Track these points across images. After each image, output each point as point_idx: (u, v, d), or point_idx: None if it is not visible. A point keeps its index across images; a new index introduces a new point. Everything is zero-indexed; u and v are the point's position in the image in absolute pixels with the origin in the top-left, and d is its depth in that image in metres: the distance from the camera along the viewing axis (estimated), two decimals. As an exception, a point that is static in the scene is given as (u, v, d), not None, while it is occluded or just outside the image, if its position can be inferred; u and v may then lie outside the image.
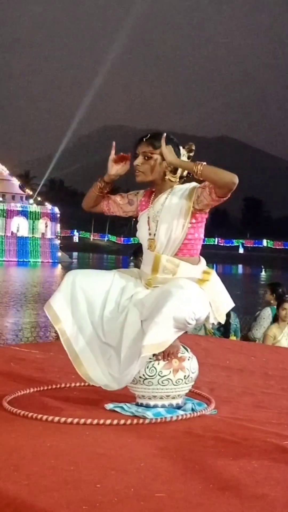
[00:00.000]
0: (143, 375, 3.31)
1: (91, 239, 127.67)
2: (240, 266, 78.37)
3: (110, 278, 3.56)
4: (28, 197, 73.83)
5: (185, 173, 3.54)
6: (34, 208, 71.07)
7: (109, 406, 3.42)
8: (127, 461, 2.58)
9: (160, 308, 3.22)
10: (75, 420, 3.08)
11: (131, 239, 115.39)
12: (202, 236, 3.56)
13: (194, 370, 3.45)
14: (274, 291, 8.49)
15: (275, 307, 7.95)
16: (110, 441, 2.87)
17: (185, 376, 3.37)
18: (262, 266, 77.76)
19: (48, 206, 73.68)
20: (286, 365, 5.31)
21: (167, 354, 3.32)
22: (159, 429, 3.11)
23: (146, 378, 3.32)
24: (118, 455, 2.66)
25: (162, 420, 3.21)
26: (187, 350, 3.46)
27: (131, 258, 6.71)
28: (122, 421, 3.13)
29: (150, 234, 3.54)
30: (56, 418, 3.10)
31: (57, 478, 2.32)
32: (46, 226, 71.30)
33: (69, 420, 3.08)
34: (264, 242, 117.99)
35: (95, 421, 3.09)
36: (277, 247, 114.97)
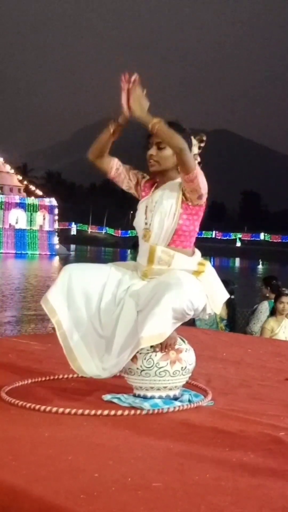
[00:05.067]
0: (141, 366, 3.33)
1: (89, 232, 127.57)
2: (237, 259, 78.45)
3: (106, 271, 3.57)
4: (25, 191, 73.69)
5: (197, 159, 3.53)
6: (32, 200, 70.96)
7: (107, 397, 3.44)
8: (125, 452, 2.60)
9: (158, 299, 3.23)
10: (73, 411, 3.10)
11: (129, 231, 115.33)
12: (197, 229, 3.57)
13: (191, 362, 3.47)
14: (269, 284, 8.53)
15: (273, 300, 7.98)
16: (107, 431, 2.89)
17: (182, 367, 3.39)
18: (260, 260, 77.82)
19: (46, 198, 73.57)
20: (283, 357, 5.33)
21: (165, 346, 3.34)
22: (156, 420, 3.13)
23: (144, 370, 3.33)
24: (115, 445, 2.68)
25: (159, 411, 3.23)
26: (184, 342, 3.49)
27: (131, 250, 6.72)
28: (119, 412, 3.15)
29: (146, 224, 3.55)
30: (54, 409, 3.12)
31: (55, 468, 2.34)
32: (44, 219, 71.18)
33: (67, 410, 3.10)
34: (262, 236, 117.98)
35: (93, 412, 3.11)
36: (274, 241, 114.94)
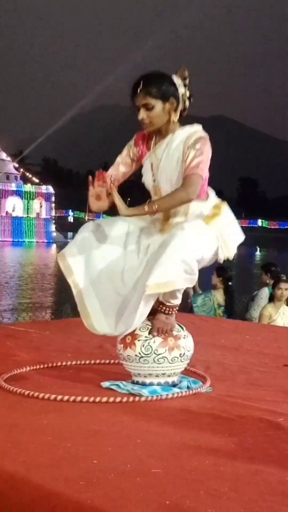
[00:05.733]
0: (139, 353, 3.33)
1: (86, 219, 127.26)
2: (235, 246, 78.21)
3: (125, 228, 3.50)
4: (22, 178, 73.52)
5: (187, 104, 3.45)
6: (28, 188, 70.86)
7: (105, 384, 3.44)
8: (124, 438, 2.60)
9: (164, 249, 3.20)
10: (72, 398, 3.10)
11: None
12: (206, 174, 3.43)
13: (190, 348, 3.47)
14: (269, 271, 8.54)
15: (270, 287, 8.00)
16: (106, 418, 2.89)
17: (180, 354, 3.38)
18: (257, 246, 77.83)
19: (43, 186, 73.44)
20: (281, 343, 5.34)
21: (163, 331, 3.33)
22: (155, 406, 3.13)
23: (142, 357, 3.33)
24: (114, 432, 2.68)
25: (158, 398, 3.23)
26: (182, 329, 3.48)
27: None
28: (118, 399, 3.15)
29: (154, 181, 3.51)
30: (53, 396, 3.11)
31: (54, 455, 2.34)
32: (41, 206, 71.13)
33: (66, 397, 3.10)
34: (259, 222, 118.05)
35: (92, 399, 3.10)
36: (272, 227, 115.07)
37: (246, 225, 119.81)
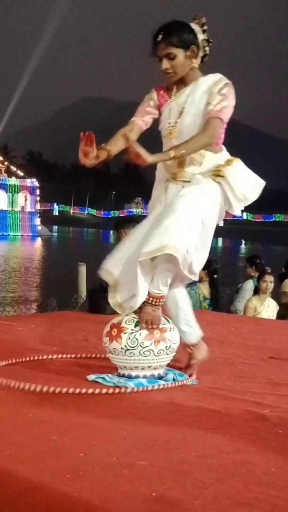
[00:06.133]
0: (125, 346, 3.33)
1: (71, 213, 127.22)
2: (220, 239, 78.56)
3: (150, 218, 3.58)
4: (6, 171, 73.13)
5: (206, 50, 3.53)
6: (13, 181, 70.53)
7: (91, 377, 3.43)
8: (110, 430, 2.60)
9: (161, 221, 3.32)
10: (57, 390, 3.09)
11: (111, 212, 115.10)
12: (223, 129, 3.49)
13: (176, 341, 3.47)
14: (253, 264, 8.57)
15: (255, 279, 8.03)
16: (92, 411, 2.89)
17: (166, 347, 3.39)
18: (242, 239, 78.03)
19: (28, 179, 73.14)
20: (266, 335, 5.36)
21: (151, 323, 3.33)
22: (141, 399, 3.13)
23: (128, 349, 3.33)
24: (100, 424, 2.68)
25: (144, 390, 3.23)
26: (168, 321, 3.48)
27: (113, 231, 6.72)
28: (104, 390, 3.15)
29: (169, 123, 3.53)
30: (39, 388, 3.10)
31: (40, 448, 2.34)
32: (26, 200, 70.83)
33: (51, 389, 3.09)
34: (244, 215, 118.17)
35: (77, 390, 3.10)
36: (256, 220, 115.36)
37: (231, 218, 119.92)
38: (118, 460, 2.24)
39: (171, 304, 3.61)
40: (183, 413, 2.91)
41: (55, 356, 3.97)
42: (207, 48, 3.53)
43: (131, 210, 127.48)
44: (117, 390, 3.19)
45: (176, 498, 1.93)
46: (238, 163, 3.54)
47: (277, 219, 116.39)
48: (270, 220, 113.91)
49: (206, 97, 3.42)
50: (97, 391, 3.13)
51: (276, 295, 8.24)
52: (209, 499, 1.92)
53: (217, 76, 3.48)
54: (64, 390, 3.10)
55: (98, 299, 6.28)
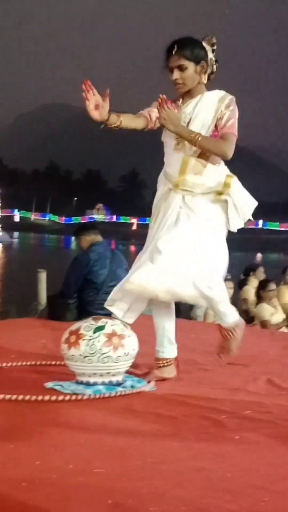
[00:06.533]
0: (83, 352, 3.32)
1: (32, 219, 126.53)
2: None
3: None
4: None
5: (214, 68, 3.73)
6: (-27, 187, 69.92)
7: (49, 384, 3.42)
8: (67, 438, 2.59)
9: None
10: (14, 397, 3.07)
11: (73, 218, 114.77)
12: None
13: (134, 347, 3.48)
14: None
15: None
16: (50, 418, 2.88)
17: (125, 353, 3.39)
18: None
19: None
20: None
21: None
22: (99, 405, 3.12)
23: (87, 356, 3.32)
24: (58, 432, 2.67)
25: (102, 397, 3.22)
26: (127, 328, 3.49)
27: (75, 238, 6.70)
28: (60, 397, 3.14)
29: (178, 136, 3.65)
30: (-5, 396, 3.07)
31: (-4, 456, 2.32)
32: (-14, 206, 70.27)
33: (8, 396, 3.07)
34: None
35: (34, 397, 3.08)
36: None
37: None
38: (75, 468, 2.24)
39: None
40: (141, 420, 2.92)
41: (13, 364, 3.95)
42: (214, 67, 3.74)
43: (93, 216, 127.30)
44: (73, 397, 3.18)
45: (132, 505, 1.94)
46: (237, 182, 3.69)
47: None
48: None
49: (213, 111, 3.63)
50: (53, 398, 3.11)
51: (235, 302, 8.30)
52: (165, 506, 1.93)
53: (222, 92, 3.70)
54: (21, 397, 3.08)
55: (57, 306, 6.26)
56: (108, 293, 6.00)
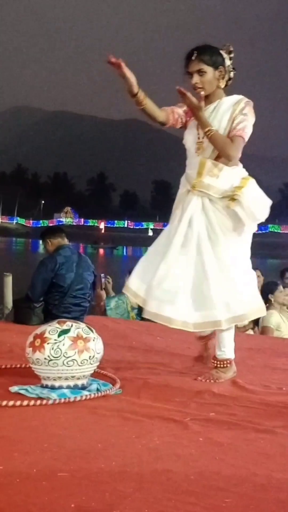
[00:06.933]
0: (48, 356, 3.31)
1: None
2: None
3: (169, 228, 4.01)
4: None
5: (231, 74, 3.95)
6: None
7: (14, 389, 3.39)
8: (31, 443, 2.57)
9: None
10: (-23, 403, 3.05)
11: (41, 221, 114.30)
12: (244, 143, 3.87)
13: (99, 351, 3.48)
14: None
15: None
16: (14, 423, 2.85)
17: (90, 356, 3.39)
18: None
19: None
20: (191, 344, 5.39)
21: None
22: (64, 410, 3.11)
23: (51, 360, 3.31)
24: (21, 437, 2.65)
25: (66, 401, 3.22)
26: (92, 331, 3.48)
27: (42, 241, 6.67)
28: (25, 402, 3.12)
29: (199, 138, 3.91)
30: None
31: None
32: None
33: (-29, 403, 3.04)
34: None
35: (-2, 403, 3.07)
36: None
37: (161, 228, 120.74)
38: (38, 472, 2.23)
39: None
40: (105, 423, 2.91)
41: (-23, 368, 3.91)
42: (232, 74, 3.96)
43: (61, 219, 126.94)
44: (38, 402, 3.16)
45: (95, 508, 1.94)
46: (252, 183, 3.86)
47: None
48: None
49: (229, 115, 3.83)
50: (18, 403, 3.09)
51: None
52: (127, 509, 1.94)
53: (239, 96, 3.90)
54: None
55: (23, 309, 6.23)
56: (74, 297, 6.07)
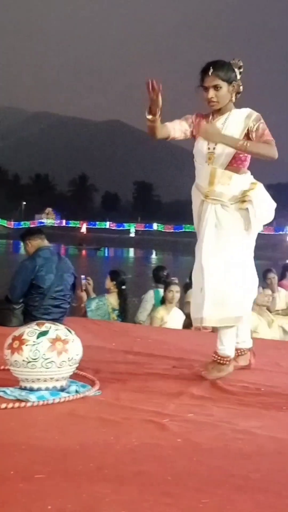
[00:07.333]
0: (27, 358, 3.30)
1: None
2: (131, 249, 78.91)
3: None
4: None
5: (241, 88, 4.13)
6: None
7: (-8, 390, 3.39)
8: (9, 445, 2.57)
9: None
10: None
11: (22, 223, 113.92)
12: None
13: (78, 352, 3.47)
14: (155, 275, 8.61)
15: (158, 290, 8.12)
16: (-9, 425, 2.85)
17: (69, 358, 3.38)
18: (153, 250, 78.57)
19: None
20: (171, 345, 5.42)
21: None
22: (42, 411, 3.11)
23: (30, 361, 3.31)
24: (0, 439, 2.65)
25: (45, 403, 3.21)
26: (70, 333, 3.48)
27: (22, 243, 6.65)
28: (3, 405, 3.11)
29: (209, 148, 4.09)
30: None
31: None
32: None
33: None
34: (155, 226, 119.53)
35: (-24, 406, 3.05)
36: (167, 231, 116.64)
37: (142, 229, 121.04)
38: (16, 474, 2.23)
39: None
40: (84, 425, 2.92)
41: None
42: (241, 87, 4.14)
43: (42, 220, 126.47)
44: (17, 404, 3.15)
45: (71, 510, 1.94)
46: (260, 187, 4.10)
47: (186, 230, 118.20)
48: (180, 230, 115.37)
49: (241, 127, 4.03)
50: (-4, 405, 3.09)
51: (181, 305, 8.34)
52: (104, 510, 1.94)
53: (248, 109, 4.11)
54: None
55: (3, 311, 6.20)
56: (54, 298, 6.06)
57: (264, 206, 4.10)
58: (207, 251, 4.04)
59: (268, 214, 4.14)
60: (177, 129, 4.14)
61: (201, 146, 4.14)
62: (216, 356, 4.13)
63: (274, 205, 4.15)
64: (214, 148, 4.06)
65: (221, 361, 4.12)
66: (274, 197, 4.21)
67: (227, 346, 4.13)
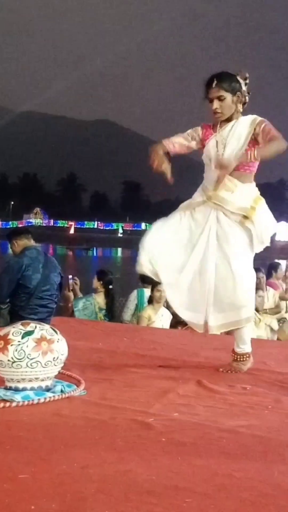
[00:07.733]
0: (12, 358, 3.29)
1: None
2: (119, 249, 78.91)
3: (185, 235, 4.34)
4: None
5: (247, 98, 4.24)
6: None
7: (-23, 391, 3.38)
8: (-7, 445, 2.56)
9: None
10: None
11: (10, 223, 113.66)
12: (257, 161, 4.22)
13: (64, 352, 3.46)
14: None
15: (143, 289, 8.13)
16: (-24, 425, 2.84)
17: (54, 358, 3.37)
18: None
19: None
20: (158, 345, 5.43)
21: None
22: (28, 411, 3.10)
23: (15, 361, 3.29)
24: (-17, 439, 2.64)
25: (30, 403, 3.20)
26: (56, 332, 3.47)
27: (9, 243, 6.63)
28: (-12, 406, 3.10)
29: (219, 154, 4.21)
30: None
31: None
32: None
33: None
34: (143, 225, 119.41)
35: None
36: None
37: (131, 229, 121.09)
38: (0, 475, 2.22)
39: None
40: (69, 424, 2.91)
41: None
42: (247, 98, 4.25)
43: (30, 220, 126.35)
44: (1, 404, 3.14)
45: (55, 510, 1.93)
46: (263, 205, 4.25)
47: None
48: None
49: (246, 133, 4.15)
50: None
51: (168, 304, 8.35)
52: (88, 510, 1.93)
53: (253, 116, 4.22)
54: None
55: (-11, 311, 6.19)
56: (41, 298, 6.05)
57: (264, 229, 4.25)
58: (209, 256, 4.19)
59: (267, 237, 4.29)
60: (184, 149, 4.33)
61: (209, 151, 4.26)
62: (236, 356, 4.37)
63: (275, 227, 4.34)
64: (222, 154, 4.18)
65: (242, 359, 4.35)
66: (262, 196, 4.27)
67: (245, 346, 4.36)
